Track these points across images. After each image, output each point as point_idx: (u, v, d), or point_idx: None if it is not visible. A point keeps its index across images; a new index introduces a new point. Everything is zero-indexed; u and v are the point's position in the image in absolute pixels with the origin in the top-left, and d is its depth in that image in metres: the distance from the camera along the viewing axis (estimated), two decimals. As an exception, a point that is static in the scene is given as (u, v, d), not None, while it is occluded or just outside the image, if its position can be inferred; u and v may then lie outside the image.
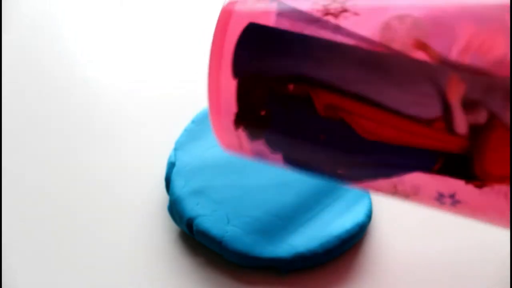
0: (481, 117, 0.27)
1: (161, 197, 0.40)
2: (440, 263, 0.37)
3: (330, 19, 0.29)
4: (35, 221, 0.38)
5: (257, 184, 0.39)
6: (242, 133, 0.32)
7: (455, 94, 0.27)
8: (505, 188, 0.27)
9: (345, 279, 0.36)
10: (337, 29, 0.29)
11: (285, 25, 0.30)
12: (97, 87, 0.45)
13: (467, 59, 0.26)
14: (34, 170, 0.41)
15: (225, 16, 0.31)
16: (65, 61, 0.47)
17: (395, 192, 0.31)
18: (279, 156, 0.33)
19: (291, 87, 0.30)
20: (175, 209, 0.37)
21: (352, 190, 0.39)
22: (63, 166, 0.41)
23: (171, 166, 0.39)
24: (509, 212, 0.28)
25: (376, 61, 0.28)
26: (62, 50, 0.48)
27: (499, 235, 0.38)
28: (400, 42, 0.28)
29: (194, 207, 0.37)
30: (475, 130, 0.27)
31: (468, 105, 0.27)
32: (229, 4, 0.31)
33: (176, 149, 0.40)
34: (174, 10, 0.50)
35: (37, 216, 0.39)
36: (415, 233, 0.38)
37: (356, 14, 0.29)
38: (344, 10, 0.29)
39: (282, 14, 0.30)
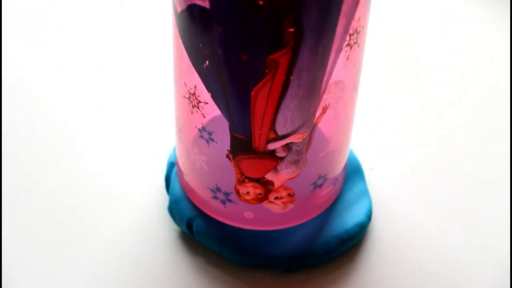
0: None
1: (161, 197, 0.40)
2: (440, 263, 0.37)
3: None
4: (35, 221, 0.39)
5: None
6: None
7: None
8: None
9: (345, 278, 0.36)
10: None
11: None
12: (97, 86, 0.45)
13: None
14: (34, 170, 0.41)
15: None
16: (66, 60, 0.47)
17: None
18: None
19: None
20: (175, 209, 0.37)
21: (352, 190, 0.38)
22: (62, 166, 0.41)
23: (171, 166, 0.39)
24: None
25: None
26: (64, 48, 0.48)
27: (499, 236, 0.38)
28: None
29: (194, 207, 0.37)
30: None
31: None
32: None
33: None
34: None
35: (37, 215, 0.39)
36: (415, 233, 0.38)
37: None
38: None
39: None
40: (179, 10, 0.28)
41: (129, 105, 0.44)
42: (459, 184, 0.41)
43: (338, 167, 0.35)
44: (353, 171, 0.39)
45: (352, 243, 0.37)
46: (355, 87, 0.32)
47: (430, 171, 0.41)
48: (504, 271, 0.36)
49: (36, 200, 0.39)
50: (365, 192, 0.38)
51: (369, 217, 0.37)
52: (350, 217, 0.37)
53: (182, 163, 0.36)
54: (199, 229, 0.36)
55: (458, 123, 0.44)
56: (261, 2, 0.26)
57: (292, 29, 0.26)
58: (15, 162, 0.41)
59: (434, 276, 0.36)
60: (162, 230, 0.38)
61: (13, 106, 0.44)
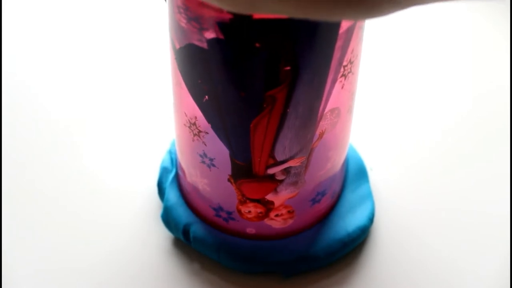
0: None
1: (153, 204, 0.40)
2: (442, 266, 0.37)
3: None
4: (30, 226, 0.39)
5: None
6: None
7: None
8: None
9: (346, 281, 0.36)
10: None
11: None
12: (93, 90, 0.45)
13: None
14: (29, 173, 0.41)
15: None
16: (65, 60, 0.47)
17: None
18: None
19: None
20: (170, 216, 0.37)
21: (355, 192, 0.38)
22: (58, 169, 0.41)
23: (164, 171, 0.39)
24: None
25: None
26: (64, 50, 0.48)
27: (500, 239, 0.38)
28: None
29: (191, 213, 0.37)
30: None
31: None
32: None
33: (171, 152, 0.39)
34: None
35: (31, 221, 0.39)
36: (417, 236, 0.38)
37: None
38: None
39: None
40: (177, 46, 0.29)
41: (123, 109, 0.44)
42: (461, 185, 0.40)
43: (336, 182, 0.36)
44: (357, 173, 0.39)
45: (353, 245, 0.37)
46: (350, 110, 0.33)
47: (431, 171, 0.41)
48: (506, 271, 0.37)
49: (28, 203, 0.40)
50: (369, 195, 0.38)
51: (371, 220, 0.37)
52: (353, 220, 0.37)
53: (185, 179, 0.36)
54: (196, 235, 0.36)
55: (458, 124, 0.44)
56: (257, 45, 0.26)
57: (288, 68, 0.27)
58: (12, 162, 0.41)
59: (436, 279, 0.36)
60: (156, 237, 0.38)
61: (11, 106, 0.44)
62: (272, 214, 0.34)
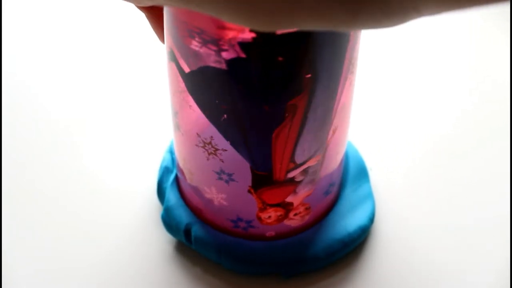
0: None
1: (153, 205, 0.40)
2: (442, 266, 0.37)
3: None
4: (30, 226, 0.38)
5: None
6: None
7: None
8: None
9: (347, 282, 0.37)
10: None
11: None
12: (92, 88, 0.45)
13: None
14: (29, 173, 0.41)
15: None
16: (65, 61, 0.47)
17: None
18: None
19: None
20: (171, 216, 0.37)
21: (356, 192, 0.38)
22: (56, 172, 0.41)
23: (165, 170, 0.38)
24: None
25: None
26: (64, 52, 0.47)
27: (500, 237, 0.38)
28: None
29: (191, 214, 0.37)
30: None
31: None
32: None
33: (171, 152, 0.39)
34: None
35: (31, 221, 0.39)
36: (417, 235, 0.38)
37: None
38: None
39: None
40: (187, 70, 0.29)
41: (122, 110, 0.44)
42: (461, 185, 0.41)
43: (340, 170, 0.37)
44: (358, 173, 0.39)
45: (354, 245, 0.37)
46: (352, 102, 0.33)
47: (431, 171, 0.41)
48: (506, 270, 0.37)
49: (28, 203, 0.39)
50: (369, 195, 0.38)
51: (371, 220, 0.37)
52: (353, 220, 0.37)
53: (193, 198, 0.36)
54: (197, 235, 0.36)
55: (459, 124, 0.44)
56: (280, 58, 0.27)
57: (309, 75, 0.28)
58: (12, 162, 0.41)
59: (436, 279, 0.37)
60: (156, 238, 0.38)
61: (11, 106, 0.44)
62: (291, 214, 0.35)
